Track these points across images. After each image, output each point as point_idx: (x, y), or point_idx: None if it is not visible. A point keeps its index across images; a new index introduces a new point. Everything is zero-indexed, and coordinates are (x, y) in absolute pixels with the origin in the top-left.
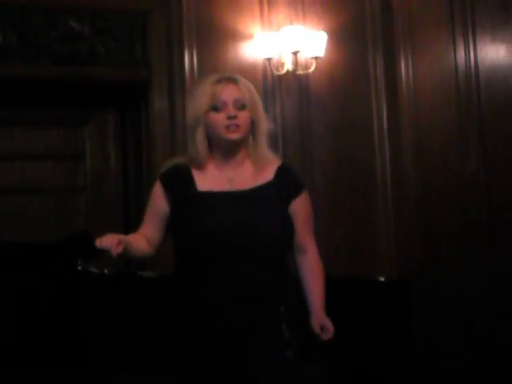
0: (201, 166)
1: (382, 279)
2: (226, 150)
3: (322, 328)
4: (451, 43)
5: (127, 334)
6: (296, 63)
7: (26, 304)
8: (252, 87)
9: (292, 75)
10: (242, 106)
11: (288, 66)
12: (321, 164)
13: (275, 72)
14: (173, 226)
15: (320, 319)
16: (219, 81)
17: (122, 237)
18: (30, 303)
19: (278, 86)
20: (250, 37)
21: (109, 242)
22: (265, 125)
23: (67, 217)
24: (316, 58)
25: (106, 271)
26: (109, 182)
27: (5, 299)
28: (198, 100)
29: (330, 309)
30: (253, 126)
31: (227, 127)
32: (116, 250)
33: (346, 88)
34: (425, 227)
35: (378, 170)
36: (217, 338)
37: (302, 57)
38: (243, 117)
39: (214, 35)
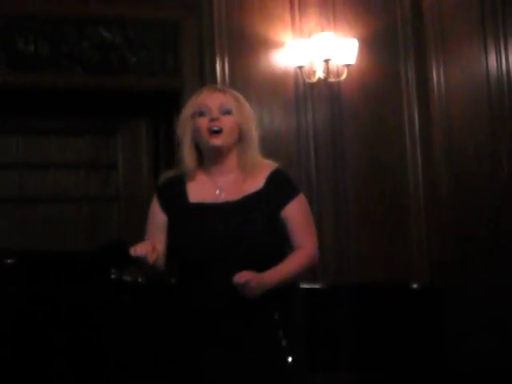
0: (192, 177)
1: (415, 286)
2: (213, 156)
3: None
4: (483, 49)
5: (161, 342)
6: (327, 71)
7: (60, 312)
8: (241, 97)
9: (323, 83)
10: (226, 112)
11: (319, 74)
12: (353, 171)
13: (307, 80)
14: (169, 238)
15: (253, 274)
16: (206, 89)
17: (154, 244)
18: (64, 311)
19: (309, 93)
20: (281, 45)
21: (143, 249)
22: (253, 133)
23: (99, 226)
24: (347, 66)
25: (139, 279)
26: (141, 191)
27: (39, 307)
28: (185, 109)
29: (364, 316)
30: (240, 133)
31: (210, 131)
32: (152, 257)
33: (378, 95)
34: (457, 232)
35: (410, 176)
36: (212, 348)
37: (334, 64)
38: (226, 121)
39: (245, 44)
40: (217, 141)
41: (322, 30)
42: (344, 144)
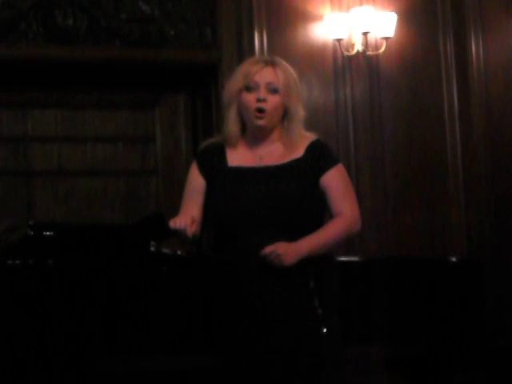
0: (233, 144)
1: (454, 259)
2: (256, 132)
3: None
4: None
5: (200, 315)
6: (366, 44)
7: (99, 284)
8: (291, 72)
9: (362, 56)
10: (273, 90)
11: (358, 47)
12: (391, 145)
13: (345, 53)
14: (207, 202)
15: (281, 243)
16: (257, 62)
17: (193, 216)
18: (103, 284)
19: (347, 66)
20: (319, 18)
21: (182, 222)
22: (298, 112)
23: (137, 199)
24: (386, 39)
25: (178, 252)
26: (179, 165)
27: (78, 280)
28: (234, 78)
29: (402, 289)
30: (285, 111)
31: (255, 110)
32: (191, 230)
33: (416, 68)
34: (496, 208)
35: (449, 149)
36: (248, 313)
37: (372, 37)
38: (272, 101)
39: (283, 16)
40: (261, 121)
41: (361, 4)
42: (382, 117)
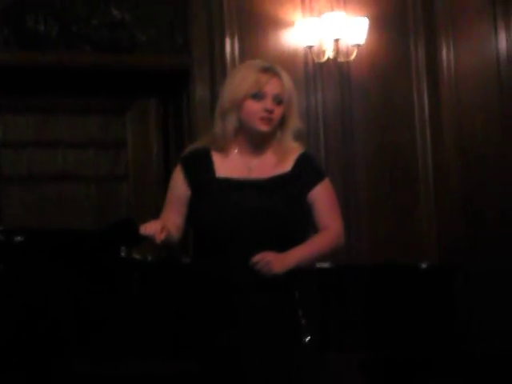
0: (223, 149)
1: (424, 266)
2: (253, 138)
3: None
4: (492, 29)
5: (170, 322)
6: (337, 50)
7: (69, 289)
8: (292, 84)
9: (333, 62)
10: (279, 101)
11: (329, 54)
12: (362, 151)
13: (316, 59)
14: (191, 211)
15: (271, 253)
16: (265, 70)
17: (164, 223)
18: (73, 289)
19: (319, 73)
20: (291, 24)
21: (152, 228)
22: (294, 121)
23: (108, 205)
24: (357, 46)
25: (149, 258)
26: (150, 170)
27: (48, 285)
28: (240, 84)
29: (373, 296)
30: (283, 120)
31: (261, 119)
32: (160, 237)
33: (387, 75)
34: (467, 214)
35: (420, 157)
36: (232, 323)
37: (343, 44)
38: (277, 112)
39: (255, 22)
40: (265, 127)
41: (332, 9)
42: (353, 124)
